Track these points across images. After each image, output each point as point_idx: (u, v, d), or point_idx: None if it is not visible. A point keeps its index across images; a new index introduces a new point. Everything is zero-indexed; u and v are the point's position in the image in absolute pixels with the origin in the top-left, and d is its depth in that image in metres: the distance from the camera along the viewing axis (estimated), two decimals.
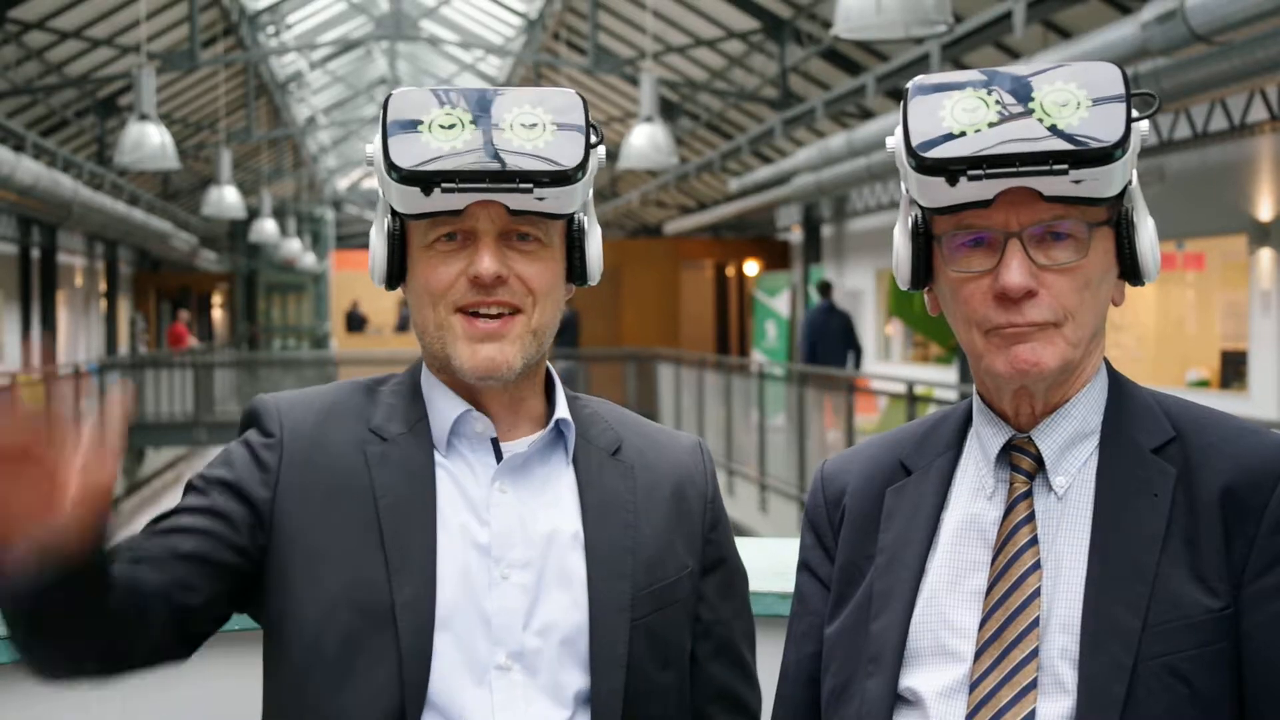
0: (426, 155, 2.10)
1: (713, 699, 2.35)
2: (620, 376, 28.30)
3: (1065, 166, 1.97)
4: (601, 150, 2.22)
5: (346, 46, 33.91)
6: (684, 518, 2.33)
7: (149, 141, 17.48)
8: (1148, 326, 18.32)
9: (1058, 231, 2.03)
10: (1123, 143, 2.03)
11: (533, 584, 2.18)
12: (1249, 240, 14.42)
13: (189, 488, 2.20)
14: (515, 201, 2.13)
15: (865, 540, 2.21)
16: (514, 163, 2.11)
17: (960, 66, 17.49)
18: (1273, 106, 13.79)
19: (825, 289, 22.87)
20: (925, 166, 2.06)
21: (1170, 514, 2.02)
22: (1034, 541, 2.06)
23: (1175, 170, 15.71)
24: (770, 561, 3.35)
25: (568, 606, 2.18)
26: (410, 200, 2.13)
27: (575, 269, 2.27)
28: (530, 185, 2.12)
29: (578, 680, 2.18)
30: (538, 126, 2.14)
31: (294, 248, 42.68)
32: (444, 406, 2.24)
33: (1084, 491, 2.08)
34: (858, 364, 21.82)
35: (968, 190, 2.02)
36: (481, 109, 2.14)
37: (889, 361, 24.80)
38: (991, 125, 1.99)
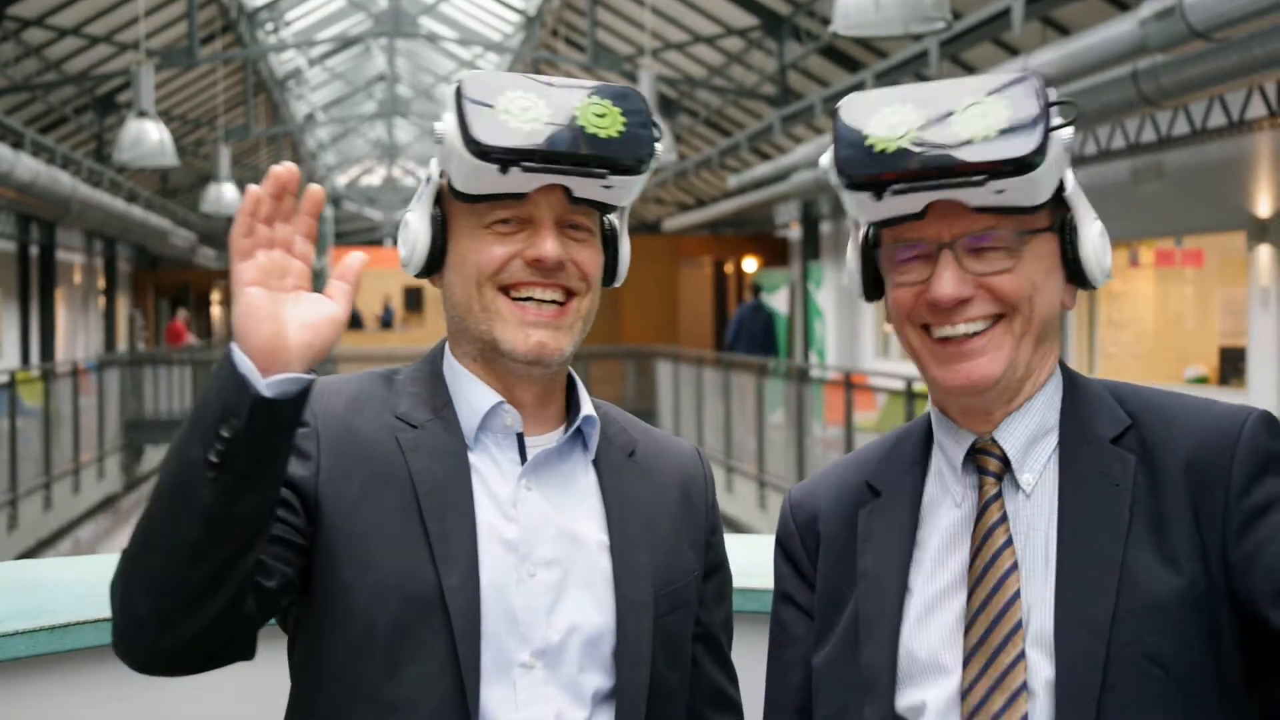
0: (507, 133, 2.11)
1: (708, 699, 2.38)
2: (619, 374, 28.30)
3: (984, 178, 1.99)
4: (660, 146, 2.22)
5: (345, 43, 33.93)
6: (690, 522, 2.36)
7: (148, 138, 17.49)
8: (1146, 323, 18.33)
9: (987, 241, 2.06)
10: (1039, 152, 2.00)
11: (558, 583, 2.18)
12: (1248, 237, 14.42)
13: None
14: (583, 188, 2.16)
15: (844, 565, 2.22)
16: (592, 148, 2.13)
17: (959, 63, 17.57)
18: (1271, 103, 13.79)
19: (755, 290, 26.33)
20: (852, 184, 2.05)
21: (1133, 500, 2.03)
22: (1009, 543, 2.07)
23: (1174, 167, 15.71)
24: (769, 559, 3.35)
25: (592, 606, 2.19)
26: (482, 179, 2.13)
27: (607, 268, 2.31)
28: (605, 171, 2.14)
29: (598, 680, 2.19)
30: (608, 116, 2.15)
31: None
32: (476, 396, 2.23)
33: (1049, 487, 2.10)
34: (775, 355, 24.80)
35: (895, 204, 2.04)
36: (555, 95, 2.15)
37: (888, 359, 24.78)
38: (914, 141, 2.01)
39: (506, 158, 2.10)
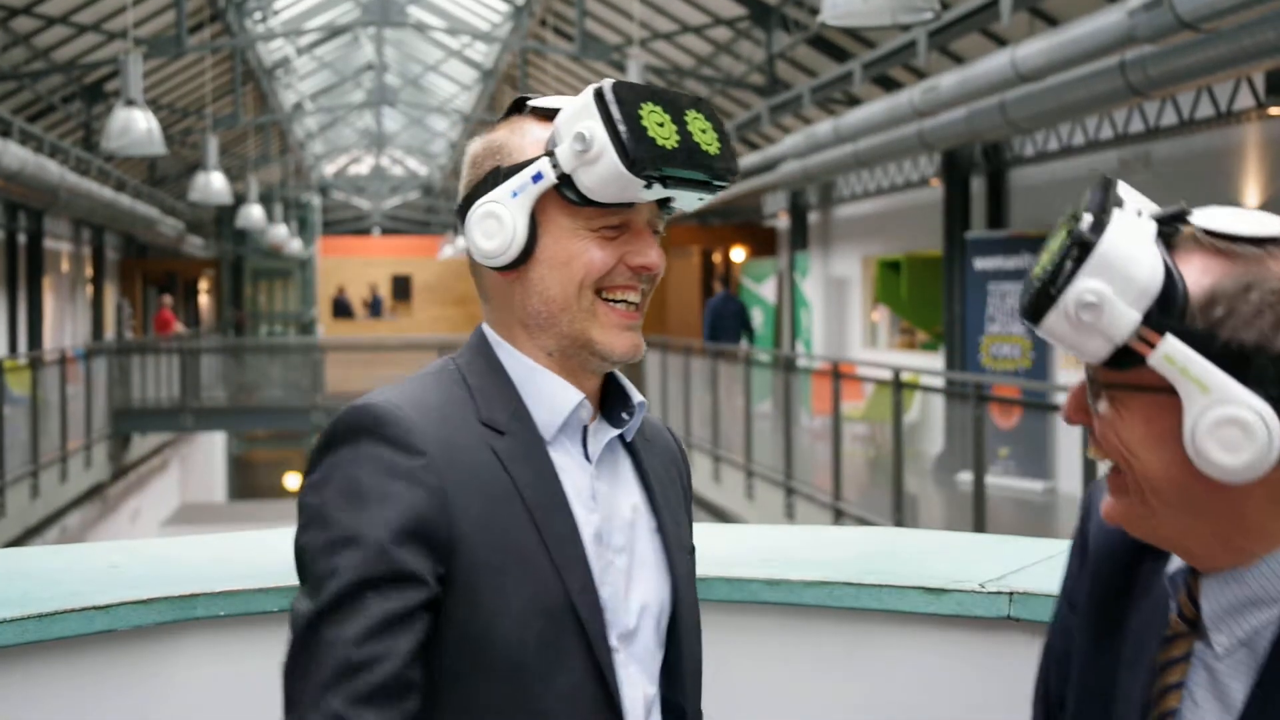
0: (656, 150, 2.13)
1: None
2: None
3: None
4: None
5: (333, 32, 33.89)
6: (683, 497, 2.43)
7: (135, 127, 17.44)
8: None
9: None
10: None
11: (628, 566, 2.23)
12: None
13: (361, 550, 2.04)
14: (689, 202, 2.25)
15: (1110, 610, 1.97)
16: (708, 164, 2.19)
17: (947, 54, 17.57)
18: (1259, 94, 13.81)
19: (725, 281, 27.95)
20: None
21: None
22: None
23: (1161, 157, 15.73)
24: (756, 548, 3.36)
25: (655, 584, 2.26)
26: (624, 189, 2.15)
27: None
28: (724, 184, 2.22)
29: (658, 655, 2.26)
30: (708, 132, 2.21)
31: (280, 233, 42.60)
32: (559, 395, 2.23)
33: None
34: (751, 343, 25.13)
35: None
36: (673, 109, 2.19)
37: (875, 348, 24.81)
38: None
39: (656, 174, 2.13)
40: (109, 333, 38.30)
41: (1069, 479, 14.36)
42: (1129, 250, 1.71)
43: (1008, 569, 3.07)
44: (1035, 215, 18.22)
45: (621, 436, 2.31)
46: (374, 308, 51.76)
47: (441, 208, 59.14)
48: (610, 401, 2.33)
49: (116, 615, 2.95)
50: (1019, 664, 2.91)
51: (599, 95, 2.14)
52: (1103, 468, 1.85)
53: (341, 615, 2.00)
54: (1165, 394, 1.72)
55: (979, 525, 12.67)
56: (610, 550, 2.21)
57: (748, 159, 23.81)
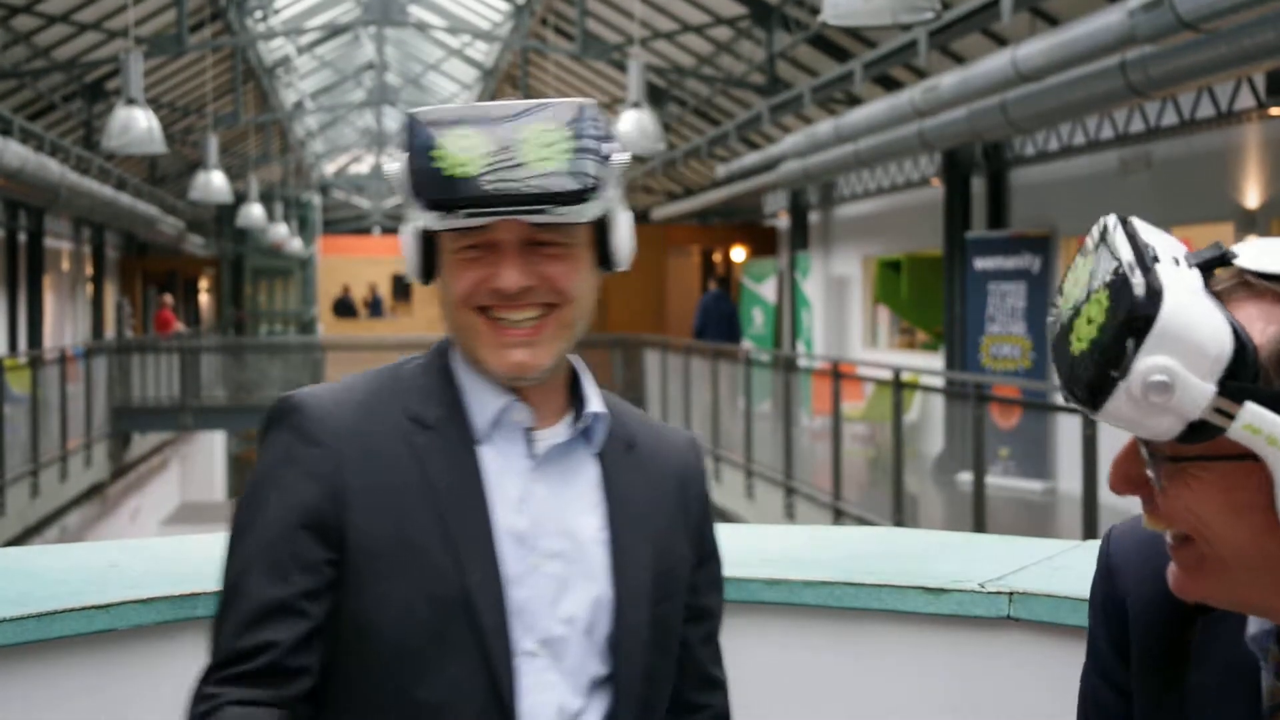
0: (441, 183, 2.13)
1: (697, 683, 2.41)
2: (607, 362, 28.30)
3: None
4: (624, 155, 2.23)
5: (334, 31, 33.91)
6: (685, 512, 2.39)
7: (136, 126, 17.44)
8: None
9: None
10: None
11: (561, 574, 2.22)
12: (1235, 228, 14.43)
13: (252, 538, 2.16)
14: (534, 217, 2.17)
15: (1165, 675, 1.80)
16: (533, 185, 2.13)
17: (948, 54, 17.57)
18: (1260, 94, 13.80)
19: (719, 281, 29.63)
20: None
21: None
22: None
23: (1162, 158, 15.73)
24: (755, 548, 3.36)
25: (593, 595, 2.23)
26: (431, 219, 2.17)
27: (603, 257, 2.30)
28: (545, 207, 2.15)
29: (596, 667, 2.23)
30: (555, 144, 2.15)
31: (281, 232, 42.62)
32: (485, 396, 2.25)
33: None
34: (738, 341, 26.74)
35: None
36: (498, 129, 2.15)
37: (875, 348, 24.80)
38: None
39: (442, 208, 2.13)
40: (109, 331, 38.29)
41: (1069, 479, 14.34)
42: (1191, 317, 1.49)
43: (1007, 569, 3.07)
44: (1036, 215, 18.21)
45: (591, 446, 2.31)
46: (374, 307, 51.76)
47: None
48: (581, 406, 2.32)
49: (117, 614, 2.95)
50: (1018, 664, 2.91)
51: (401, 131, 2.18)
52: (1108, 494, 1.78)
53: (229, 603, 2.13)
54: (1244, 460, 1.53)
55: (979, 525, 12.67)
56: (537, 554, 2.21)
57: (748, 159, 23.82)
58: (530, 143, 2.13)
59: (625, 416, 2.40)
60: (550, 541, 2.22)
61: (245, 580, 2.12)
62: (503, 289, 2.18)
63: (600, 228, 2.27)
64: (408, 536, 2.15)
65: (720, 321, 28.11)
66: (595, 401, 2.31)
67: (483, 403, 2.25)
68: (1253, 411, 1.47)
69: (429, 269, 2.25)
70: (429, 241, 2.23)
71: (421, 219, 2.18)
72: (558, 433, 2.28)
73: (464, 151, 2.11)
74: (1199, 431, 1.50)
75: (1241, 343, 1.47)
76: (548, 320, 2.21)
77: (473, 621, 2.13)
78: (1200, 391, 1.47)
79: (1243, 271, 1.54)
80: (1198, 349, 1.47)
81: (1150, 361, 1.48)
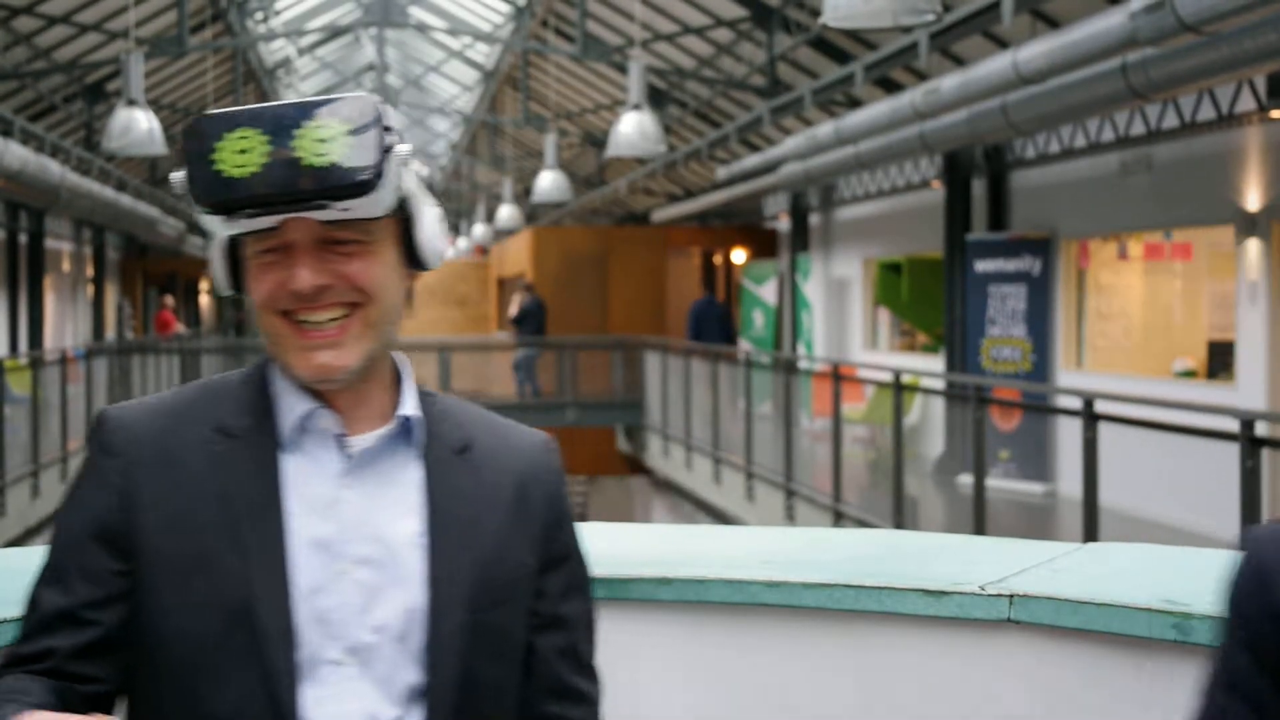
0: (219, 184, 2.11)
1: (550, 693, 2.37)
2: (607, 364, 28.33)
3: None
4: (404, 148, 2.21)
5: (335, 33, 33.92)
6: (526, 515, 2.34)
7: (137, 127, 17.45)
8: (1135, 316, 18.35)
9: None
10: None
11: (372, 581, 2.19)
12: (1236, 230, 14.44)
13: (61, 552, 2.22)
14: (320, 215, 2.15)
15: None
16: (310, 181, 2.11)
17: (949, 56, 17.57)
18: (1260, 97, 13.80)
19: (710, 286, 30.94)
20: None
21: None
22: None
23: (1163, 160, 15.72)
24: (756, 550, 3.36)
25: (405, 603, 2.20)
26: (215, 224, 2.15)
27: (412, 256, 2.28)
28: (327, 202, 2.12)
29: (411, 675, 2.20)
30: (332, 140, 2.12)
31: None
32: (290, 402, 2.24)
33: None
34: (732, 343, 27.61)
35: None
36: (275, 127, 2.12)
37: (876, 350, 24.80)
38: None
39: (221, 209, 2.11)
40: (110, 333, 38.31)
41: (1069, 481, 14.34)
42: None
43: (1008, 571, 3.07)
44: (1036, 217, 18.21)
45: (413, 450, 2.29)
46: None
47: (443, 208, 59.00)
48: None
49: None
50: (1019, 666, 2.91)
51: (180, 137, 2.16)
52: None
53: (25, 613, 2.20)
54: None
55: (979, 527, 12.66)
56: (344, 560, 2.18)
57: (748, 161, 23.83)
58: (307, 138, 2.11)
59: (463, 419, 2.38)
60: (359, 547, 2.19)
61: (37, 590, 2.20)
62: (298, 290, 2.16)
63: (404, 225, 2.25)
64: (198, 546, 2.15)
65: (714, 324, 28.44)
66: (410, 404, 2.29)
67: (289, 409, 2.24)
68: None
69: (237, 279, 2.24)
70: (234, 251, 2.23)
71: (205, 224, 2.16)
72: (372, 437, 2.26)
73: (241, 153, 2.09)
74: None
75: None
76: (351, 320, 2.20)
77: (254, 632, 2.12)
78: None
79: None
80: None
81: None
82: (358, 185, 2.11)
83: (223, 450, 2.20)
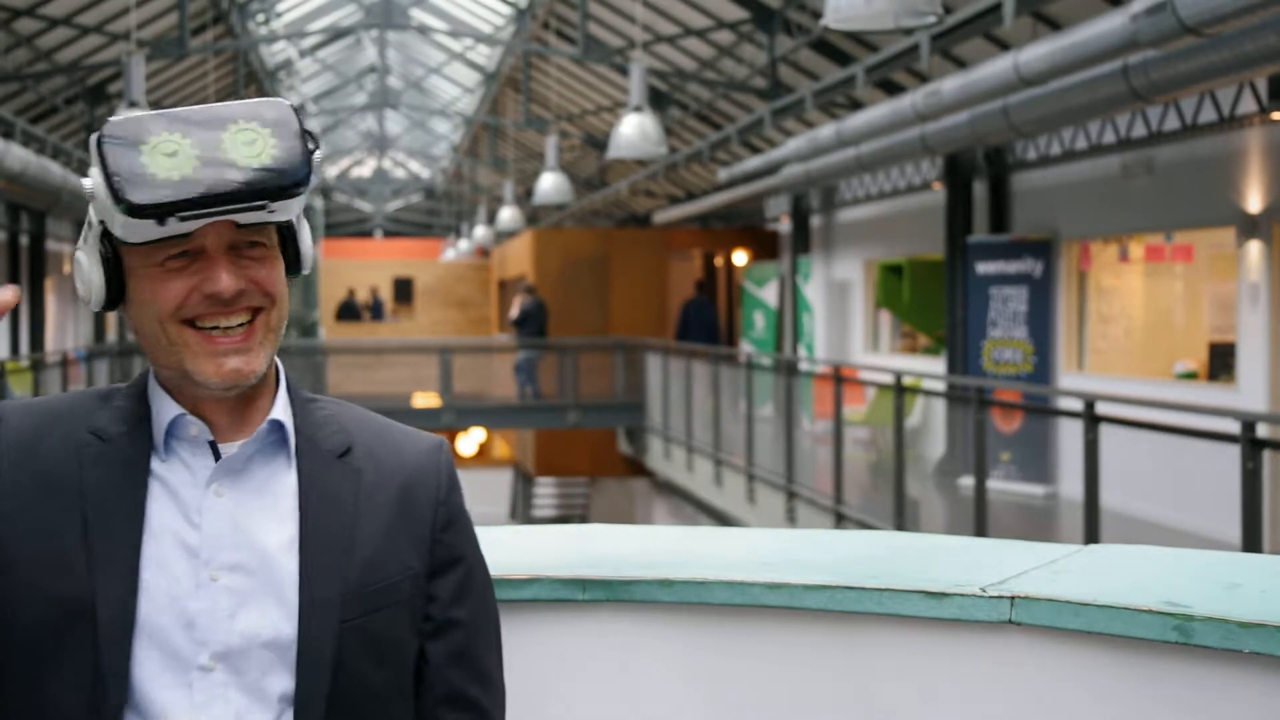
0: (155, 187, 2.09)
1: (443, 700, 2.36)
2: (608, 366, 28.34)
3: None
4: (319, 154, 2.22)
5: (336, 35, 33.94)
6: (410, 518, 2.34)
7: None
8: (1136, 318, 18.35)
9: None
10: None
11: (241, 586, 2.19)
12: (1237, 232, 14.44)
13: None
14: (247, 217, 2.16)
15: None
16: (246, 181, 2.11)
17: (950, 58, 17.58)
18: (1262, 99, 13.80)
19: (700, 286, 31.45)
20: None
21: None
22: None
23: (1164, 162, 15.72)
24: (756, 552, 3.36)
25: (275, 608, 2.20)
26: (141, 231, 2.13)
27: (290, 263, 2.29)
28: (264, 202, 2.13)
29: (283, 682, 2.19)
30: (258, 141, 2.13)
31: None
32: (161, 410, 2.25)
33: None
34: (717, 343, 28.50)
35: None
36: (200, 131, 2.13)
37: (877, 352, 24.81)
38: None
39: (160, 212, 2.09)
40: (111, 335, 38.30)
41: (1070, 483, 14.35)
42: None
43: (1010, 573, 3.07)
44: (1038, 220, 18.21)
45: (288, 455, 2.29)
46: (375, 310, 51.71)
47: (444, 210, 59.16)
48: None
49: None
50: (1020, 668, 2.91)
51: (97, 143, 2.12)
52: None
53: None
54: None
55: (980, 529, 12.67)
56: (213, 567, 2.18)
57: (750, 162, 23.82)
58: (235, 140, 2.12)
59: (348, 422, 2.38)
60: (228, 554, 2.20)
61: None
62: (220, 293, 2.17)
63: (286, 229, 2.27)
64: (40, 538, 2.16)
65: (701, 328, 29.48)
66: (279, 409, 2.29)
67: (158, 416, 2.25)
68: None
69: (116, 292, 2.22)
70: (112, 262, 2.21)
71: (123, 232, 2.13)
72: (240, 444, 2.26)
73: (170, 155, 2.09)
74: None
75: None
76: (256, 325, 2.21)
77: (93, 629, 2.13)
78: None
79: None
80: None
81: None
82: (292, 186, 2.14)
83: (93, 453, 2.21)
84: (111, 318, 38.74)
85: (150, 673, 2.14)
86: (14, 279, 28.30)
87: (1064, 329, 17.74)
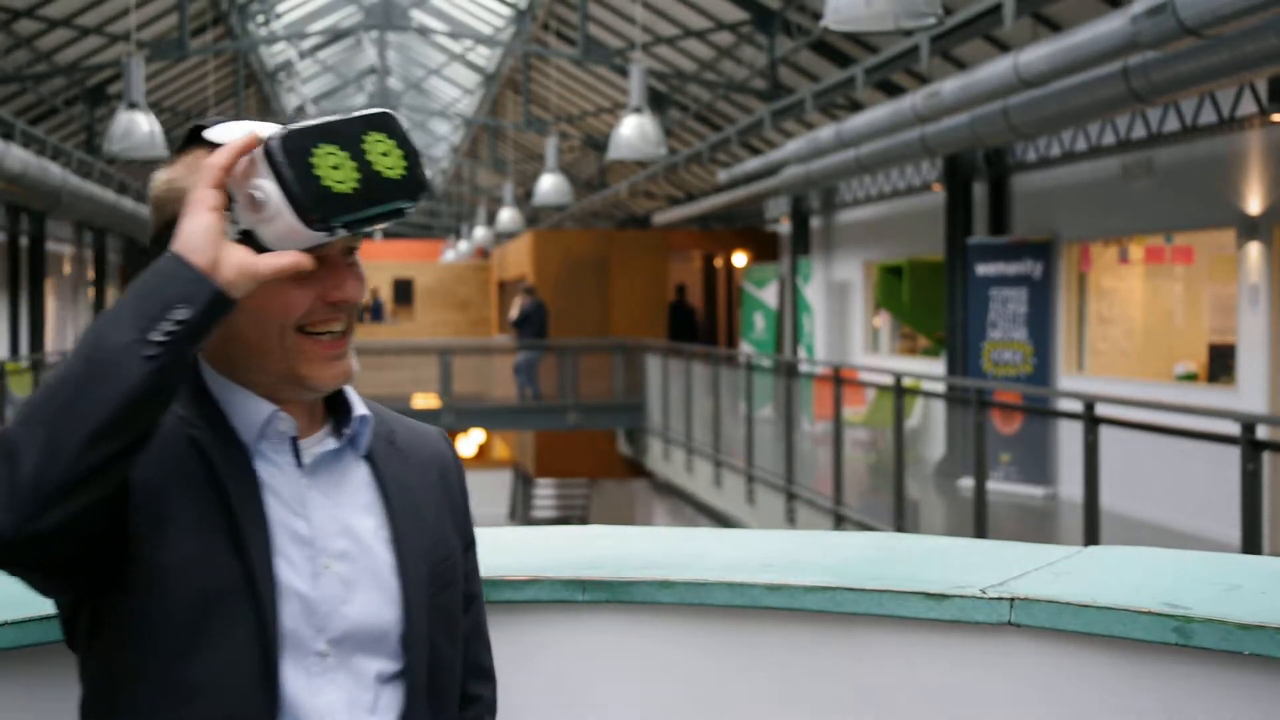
0: (332, 199, 2.11)
1: (473, 672, 2.48)
2: (608, 367, 28.33)
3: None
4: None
5: (336, 36, 33.93)
6: (449, 499, 2.46)
7: (138, 130, 17.47)
8: (1136, 320, 18.35)
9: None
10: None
11: (349, 574, 2.25)
12: (1237, 234, 14.44)
13: None
14: (381, 225, 2.21)
15: None
16: (398, 191, 2.15)
17: (950, 59, 17.57)
18: (1262, 100, 13.80)
19: (679, 290, 32.51)
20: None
21: None
22: None
23: (1164, 163, 15.73)
24: (756, 553, 3.36)
25: (377, 594, 2.27)
26: (306, 241, 2.13)
27: None
28: (408, 210, 2.19)
29: (378, 664, 2.26)
30: (391, 153, 2.17)
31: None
32: (250, 408, 2.27)
33: None
34: (696, 339, 30.24)
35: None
36: (347, 143, 2.15)
37: (877, 354, 24.81)
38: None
39: (339, 224, 2.12)
40: None
41: (1070, 484, 14.35)
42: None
43: (1009, 575, 3.07)
44: (1038, 221, 18.22)
45: (357, 449, 2.35)
46: (375, 311, 51.70)
47: (443, 211, 59.15)
48: (341, 414, 2.36)
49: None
50: (1020, 670, 2.91)
51: (268, 152, 2.11)
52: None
53: None
54: None
55: (980, 531, 12.67)
56: (325, 555, 2.24)
57: (749, 163, 23.83)
58: (375, 151, 2.15)
59: (380, 412, 2.44)
60: (334, 543, 2.26)
61: None
62: (350, 299, 2.23)
63: None
64: (186, 512, 2.17)
65: (681, 326, 31.98)
66: (359, 405, 2.36)
67: (246, 414, 2.27)
68: None
69: None
70: None
71: (280, 242, 2.12)
72: (322, 440, 2.33)
73: (335, 168, 2.11)
74: None
75: None
76: (350, 328, 2.28)
77: (249, 607, 2.16)
78: None
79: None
80: None
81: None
82: (423, 193, 2.19)
83: (199, 436, 2.22)
84: None
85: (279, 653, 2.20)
86: (14, 280, 28.32)
87: (1064, 330, 17.74)
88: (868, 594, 3.04)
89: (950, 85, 14.83)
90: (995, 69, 13.73)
